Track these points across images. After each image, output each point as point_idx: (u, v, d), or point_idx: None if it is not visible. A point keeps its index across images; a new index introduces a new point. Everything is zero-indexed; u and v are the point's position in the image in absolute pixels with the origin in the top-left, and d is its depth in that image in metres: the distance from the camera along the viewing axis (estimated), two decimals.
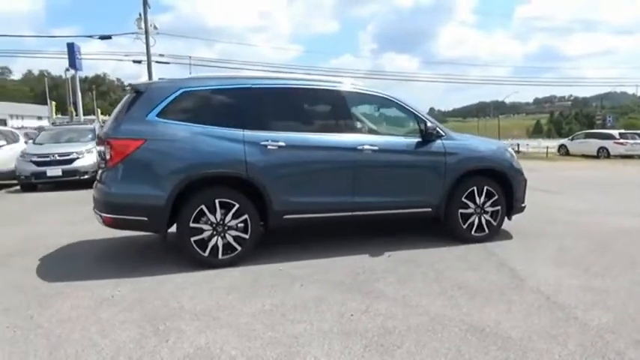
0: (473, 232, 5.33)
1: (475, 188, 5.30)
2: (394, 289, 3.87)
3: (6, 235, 6.22)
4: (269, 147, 4.56)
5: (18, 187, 11.84)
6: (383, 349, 2.86)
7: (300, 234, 5.64)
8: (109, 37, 25.46)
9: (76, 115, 28.28)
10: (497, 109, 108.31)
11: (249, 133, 4.54)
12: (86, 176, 11.34)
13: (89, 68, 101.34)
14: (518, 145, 33.03)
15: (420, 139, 5.11)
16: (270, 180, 4.55)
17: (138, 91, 4.51)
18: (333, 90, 5.02)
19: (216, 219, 4.43)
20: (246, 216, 4.52)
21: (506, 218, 5.53)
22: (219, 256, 4.46)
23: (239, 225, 4.52)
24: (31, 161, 11.42)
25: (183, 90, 4.53)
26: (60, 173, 11.45)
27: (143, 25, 25.45)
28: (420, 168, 5.15)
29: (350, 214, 4.91)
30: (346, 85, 5.10)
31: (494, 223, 5.42)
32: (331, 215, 4.88)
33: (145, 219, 4.31)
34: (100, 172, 4.64)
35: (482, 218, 5.36)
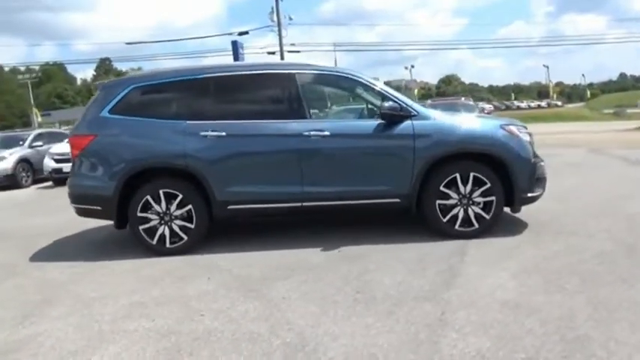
0: (457, 227, 4.56)
1: (458, 175, 4.51)
2: (285, 290, 3.55)
3: (54, 220, 7.30)
4: (208, 137, 4.53)
5: (50, 183, 12.52)
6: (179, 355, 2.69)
7: (275, 224, 5.52)
8: (246, 33, 27.51)
9: None
10: None
11: (190, 124, 4.57)
12: None
13: None
14: None
15: (382, 121, 4.53)
16: (211, 170, 4.52)
17: (99, 90, 4.88)
18: (283, 74, 4.71)
19: (161, 209, 4.58)
20: (190, 206, 4.58)
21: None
22: (167, 244, 4.62)
23: (184, 215, 4.61)
24: (53, 159, 12.29)
25: (134, 86, 4.75)
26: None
27: (276, 18, 26.85)
28: (382, 153, 4.57)
29: (299, 204, 4.61)
30: (298, 67, 4.75)
31: (487, 217, 4.56)
32: (279, 206, 4.65)
33: (99, 208, 4.68)
34: None
35: (471, 210, 4.55)
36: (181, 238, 4.62)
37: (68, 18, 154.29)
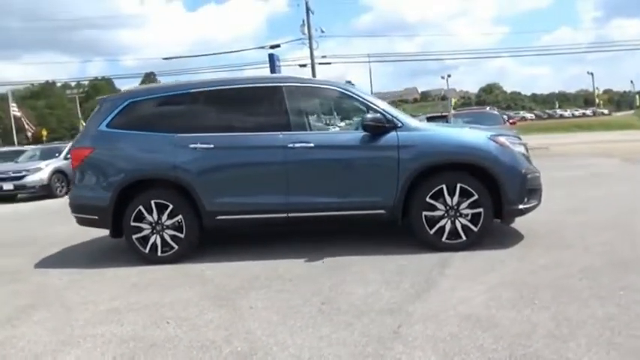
0: (444, 239, 4.49)
1: (444, 187, 4.45)
2: (255, 299, 3.59)
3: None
4: (197, 149, 4.67)
5: None
6: None
7: (270, 235, 5.58)
8: (278, 46, 28.03)
9: None
10: None
11: (180, 137, 4.71)
12: None
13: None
14: None
15: (367, 133, 4.53)
16: (199, 181, 4.65)
17: (99, 104, 5.12)
18: (270, 87, 4.80)
19: (153, 219, 4.74)
20: (180, 216, 4.72)
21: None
22: (159, 253, 4.76)
23: (175, 224, 4.75)
24: None
25: (130, 100, 4.96)
26: None
27: (307, 31, 27.21)
28: (366, 165, 4.56)
29: (285, 215, 4.66)
30: (286, 80, 4.83)
31: (475, 229, 4.46)
32: (266, 217, 4.72)
33: (96, 217, 4.88)
34: None
35: (458, 222, 4.47)
36: (172, 247, 4.76)
37: (117, 35, 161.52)
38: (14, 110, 40.95)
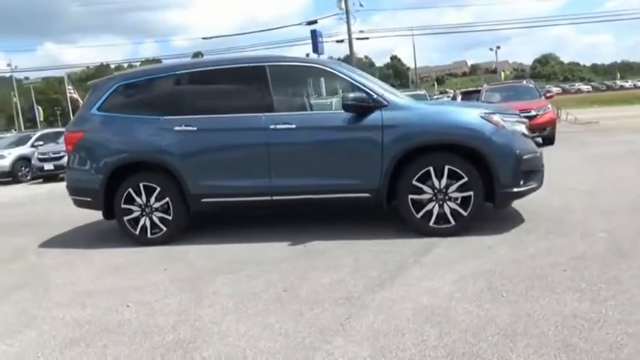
0: (432, 224, 4.28)
1: (432, 169, 4.22)
2: (221, 284, 3.56)
3: None
4: (181, 132, 4.64)
5: None
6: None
7: (265, 217, 5.53)
8: (315, 22, 27.56)
9: None
10: None
11: (165, 119, 4.70)
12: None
13: (340, 52, 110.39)
14: None
15: (351, 113, 4.33)
16: (184, 164, 4.63)
17: (90, 89, 5.18)
18: (253, 67, 4.66)
19: (142, 201, 4.79)
20: (167, 199, 4.74)
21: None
22: (148, 234, 4.82)
23: (163, 207, 4.78)
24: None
25: (118, 84, 4.97)
26: None
27: (344, 6, 26.60)
28: (349, 146, 4.37)
29: (269, 198, 4.58)
30: (269, 60, 4.68)
31: (464, 213, 4.22)
32: (249, 199, 4.65)
33: (90, 199, 4.99)
34: None
35: (446, 206, 4.24)
36: (161, 229, 4.80)
37: (167, 16, 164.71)
38: (71, 92, 42.86)
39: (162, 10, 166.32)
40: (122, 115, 4.87)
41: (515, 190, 4.20)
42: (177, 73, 4.83)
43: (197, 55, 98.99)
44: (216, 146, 4.64)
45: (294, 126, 4.42)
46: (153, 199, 4.76)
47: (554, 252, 3.67)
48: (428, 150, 4.26)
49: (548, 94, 13.43)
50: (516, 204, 4.83)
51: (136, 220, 4.83)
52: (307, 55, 50.38)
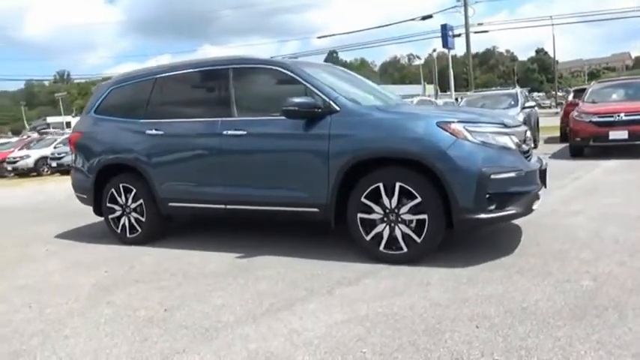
0: (382, 248, 3.70)
1: (381, 185, 3.65)
2: (127, 294, 3.47)
3: None
4: (151, 136, 4.67)
5: None
6: None
7: (246, 224, 5.33)
8: (430, 17, 26.29)
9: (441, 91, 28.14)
10: None
11: (141, 123, 4.77)
12: None
13: (479, 45, 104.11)
14: None
15: (302, 120, 3.92)
16: (151, 167, 4.65)
17: (94, 91, 5.47)
18: (218, 70, 4.46)
19: (122, 201, 4.94)
20: (141, 201, 4.82)
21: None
22: (127, 234, 4.95)
23: (138, 208, 4.87)
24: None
25: (112, 87, 5.18)
26: None
27: None
28: (297, 156, 3.97)
29: (223, 207, 4.38)
30: (233, 62, 4.42)
31: (418, 240, 3.57)
32: (206, 207, 4.50)
33: (85, 196, 5.28)
34: None
35: (398, 229, 3.64)
36: (137, 230, 4.90)
37: (307, 17, 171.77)
38: None
39: (304, 11, 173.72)
40: (111, 118, 5.07)
41: (480, 216, 3.43)
42: (156, 76, 4.87)
43: (332, 53, 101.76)
44: (179, 151, 4.58)
45: (244, 132, 4.16)
46: (130, 200, 4.87)
47: (494, 300, 2.92)
48: (380, 163, 3.69)
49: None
50: (547, 227, 4.22)
51: (119, 219, 4.99)
52: (434, 50, 48.22)
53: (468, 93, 18.11)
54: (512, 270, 3.38)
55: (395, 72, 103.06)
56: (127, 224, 4.93)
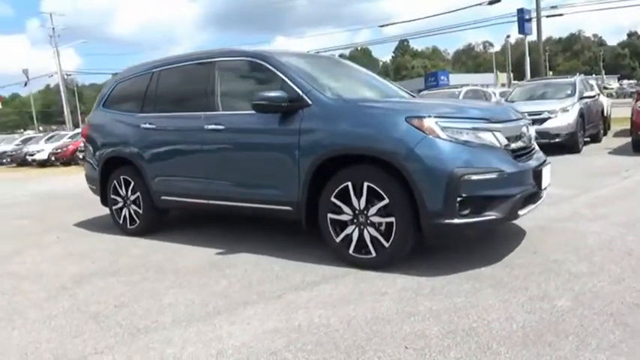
0: (351, 251, 3.48)
1: (350, 184, 3.42)
2: (99, 287, 3.51)
3: None
4: (146, 129, 4.71)
5: None
6: None
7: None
8: (498, 1, 24.75)
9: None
10: None
11: (138, 117, 4.83)
12: (557, 139, 9.00)
13: (562, 29, 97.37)
14: None
15: (278, 114, 3.75)
16: (145, 161, 4.70)
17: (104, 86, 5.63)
18: (205, 63, 4.39)
19: (123, 193, 5.05)
20: (138, 193, 4.90)
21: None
22: (128, 225, 5.07)
23: (136, 200, 4.95)
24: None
25: (118, 81, 5.30)
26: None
27: None
28: (269, 152, 3.82)
29: (206, 202, 4.33)
30: (219, 55, 4.32)
31: (386, 244, 3.31)
32: (194, 202, 4.47)
33: (94, 187, 5.47)
34: None
35: (367, 232, 3.40)
36: (136, 222, 5.00)
37: (381, 4, 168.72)
38: None
39: (377, 0, 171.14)
40: (115, 112, 5.19)
41: (451, 221, 3.10)
42: (153, 70, 4.90)
43: (403, 42, 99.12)
44: (168, 145, 4.59)
45: (223, 127, 4.07)
46: (129, 192, 4.98)
47: (445, 317, 2.63)
48: (350, 161, 3.45)
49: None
50: (556, 232, 3.86)
51: (121, 210, 5.12)
52: (508, 36, 45.84)
53: (521, 82, 16.94)
54: (486, 282, 3.05)
55: (469, 60, 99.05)
56: (127, 216, 5.04)
